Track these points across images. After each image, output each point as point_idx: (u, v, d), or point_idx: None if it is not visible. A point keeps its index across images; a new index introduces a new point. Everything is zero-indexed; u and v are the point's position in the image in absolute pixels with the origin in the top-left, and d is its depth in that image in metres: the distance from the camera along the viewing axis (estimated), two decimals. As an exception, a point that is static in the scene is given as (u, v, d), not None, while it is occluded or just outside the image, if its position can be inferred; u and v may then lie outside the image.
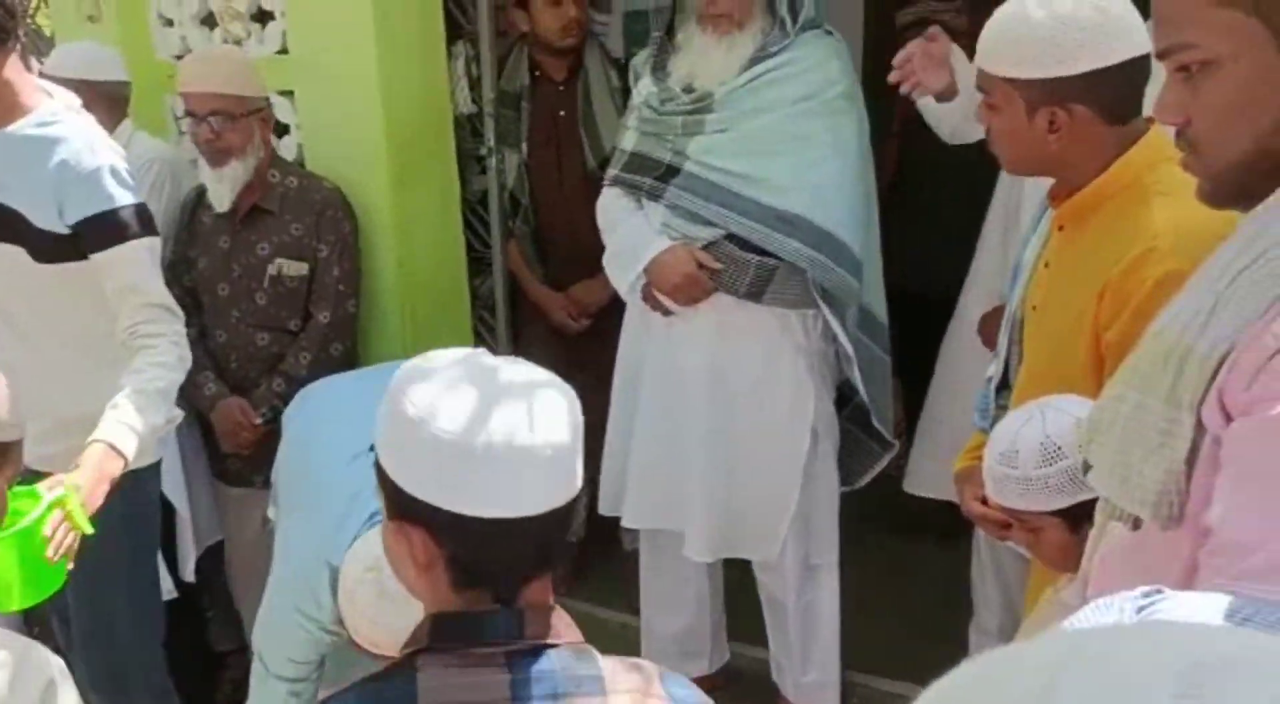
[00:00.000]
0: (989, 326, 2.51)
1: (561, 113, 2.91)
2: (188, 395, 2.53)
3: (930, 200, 3.02)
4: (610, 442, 2.53)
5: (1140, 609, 0.72)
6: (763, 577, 2.51)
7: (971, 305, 2.69)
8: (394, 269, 2.67)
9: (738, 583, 2.63)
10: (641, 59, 2.44)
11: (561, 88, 2.91)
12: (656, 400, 2.39)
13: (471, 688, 0.95)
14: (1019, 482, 1.42)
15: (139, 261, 1.96)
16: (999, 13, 1.56)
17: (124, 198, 1.93)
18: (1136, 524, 0.93)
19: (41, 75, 2.43)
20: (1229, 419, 0.83)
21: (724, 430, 2.32)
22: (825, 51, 2.26)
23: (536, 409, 0.97)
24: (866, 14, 4.34)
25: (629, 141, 2.38)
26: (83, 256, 1.93)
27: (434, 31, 2.72)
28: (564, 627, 1.01)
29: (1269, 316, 0.82)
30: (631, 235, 2.32)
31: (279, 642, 1.77)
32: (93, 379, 1.95)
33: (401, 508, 0.98)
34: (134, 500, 2.01)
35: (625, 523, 2.53)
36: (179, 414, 2.16)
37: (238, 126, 2.41)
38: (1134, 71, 1.49)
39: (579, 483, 1.01)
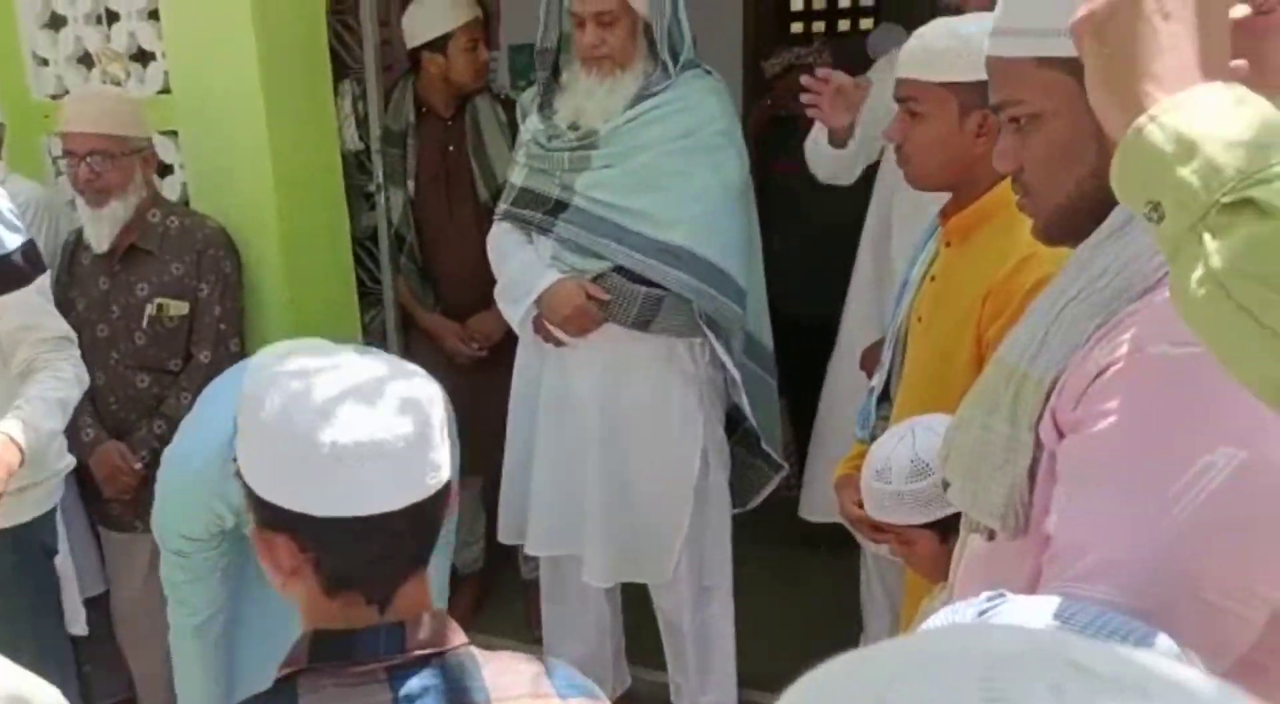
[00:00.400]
0: (869, 360, 2.62)
1: (450, 147, 2.96)
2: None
3: (806, 229, 3.14)
4: (508, 471, 2.56)
5: (981, 612, 0.79)
6: (659, 600, 2.56)
7: (850, 335, 2.81)
8: (284, 306, 2.66)
9: (636, 607, 2.68)
10: (529, 97, 2.50)
11: (449, 123, 2.96)
12: (552, 429, 2.44)
13: None
14: (892, 496, 1.51)
15: (31, 303, 2.00)
16: (928, 29, 1.68)
17: (12, 241, 1.94)
18: (991, 535, 1.02)
19: None
20: (1062, 436, 0.92)
21: (617, 456, 2.38)
22: (704, 90, 2.35)
23: (387, 402, 0.95)
24: (745, 57, 4.51)
25: (518, 177, 2.44)
26: None
27: (320, 70, 2.73)
28: (447, 631, 1.00)
29: (1090, 344, 0.92)
30: (522, 269, 2.37)
31: (173, 519, 1.74)
32: None
33: (262, 515, 0.97)
34: (26, 549, 2.02)
35: (528, 551, 2.56)
36: (71, 460, 2.12)
37: (118, 166, 2.38)
38: None
39: (444, 475, 0.99)
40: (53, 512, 2.15)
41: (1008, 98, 1.01)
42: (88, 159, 2.36)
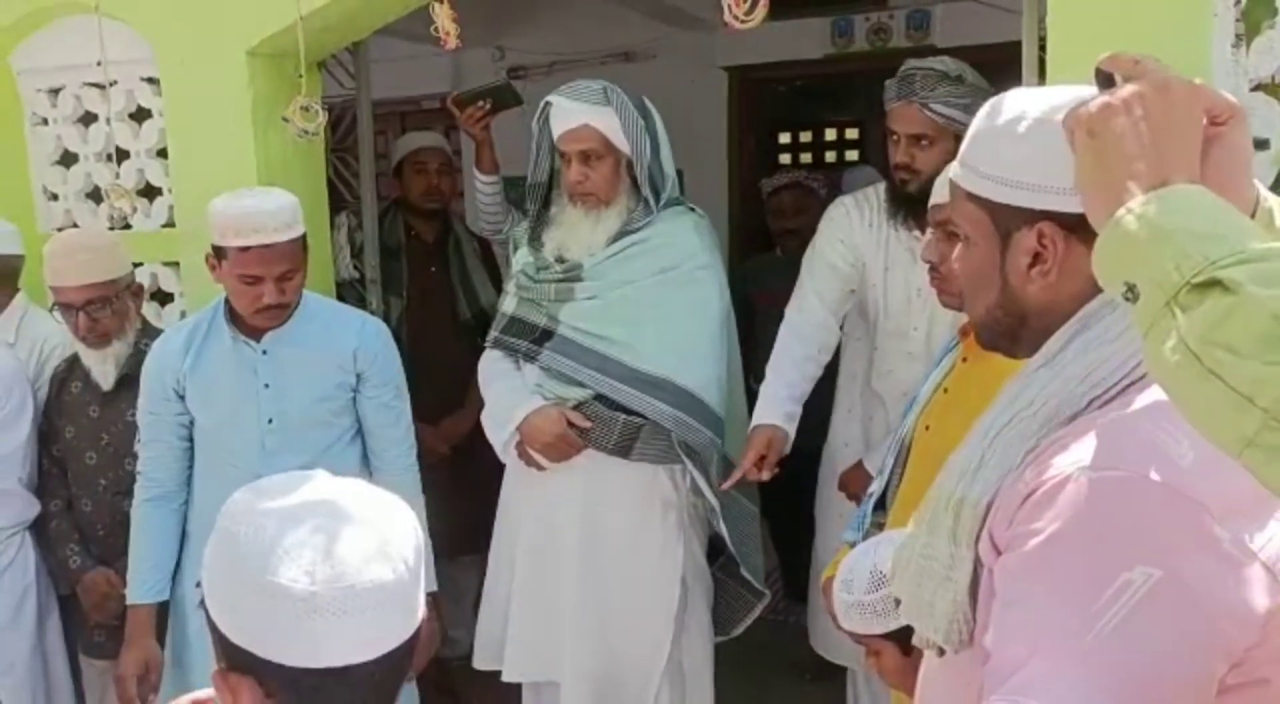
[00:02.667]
0: (852, 482, 2.66)
1: (433, 268, 3.27)
2: (53, 571, 2.51)
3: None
4: (487, 594, 2.57)
5: None
6: (641, 729, 2.53)
7: (833, 462, 2.84)
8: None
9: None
10: (520, 230, 2.61)
11: (432, 246, 3.26)
12: (533, 553, 2.45)
13: None
14: (854, 606, 1.55)
15: None
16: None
17: None
18: (941, 651, 1.06)
19: None
20: (999, 553, 0.97)
21: (596, 582, 2.39)
22: (686, 227, 2.45)
23: (367, 549, 0.92)
24: (730, 191, 4.70)
25: (509, 306, 2.52)
26: None
27: (318, 204, 2.85)
28: None
29: (1022, 467, 0.98)
30: (506, 395, 2.43)
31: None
32: None
33: (227, 655, 0.94)
34: None
35: (505, 677, 2.54)
36: None
37: (115, 309, 2.44)
38: None
39: (419, 617, 0.97)
40: None
41: (950, 217, 1.15)
42: (84, 309, 2.40)
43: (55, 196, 2.91)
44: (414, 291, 3.20)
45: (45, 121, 2.89)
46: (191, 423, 2.32)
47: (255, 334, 2.28)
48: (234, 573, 0.92)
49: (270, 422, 2.27)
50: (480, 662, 2.58)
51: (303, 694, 0.92)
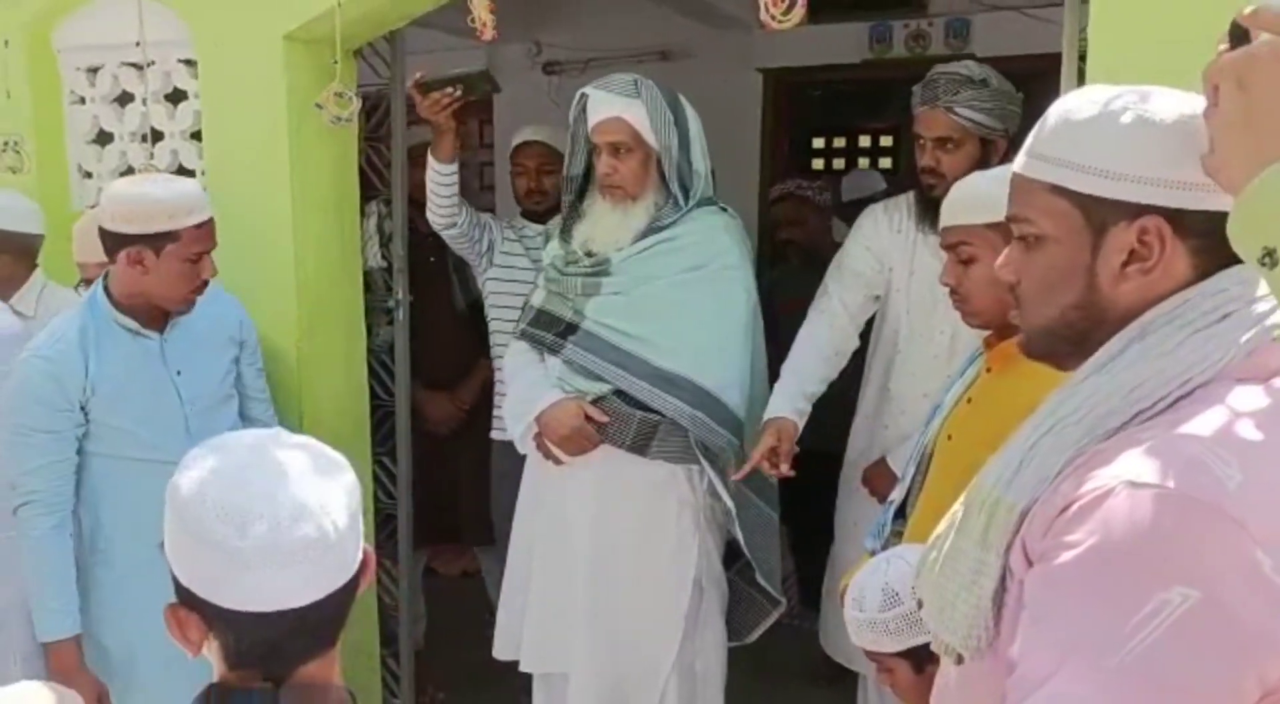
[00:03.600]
0: (875, 480, 2.63)
1: (431, 259, 3.29)
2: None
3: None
4: (507, 586, 2.58)
5: None
6: (650, 729, 2.52)
7: (853, 468, 2.82)
8: (298, 416, 2.72)
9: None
10: (554, 222, 2.61)
11: (426, 237, 3.19)
12: (548, 547, 2.46)
13: None
14: (866, 624, 1.54)
15: None
16: (965, 182, 1.80)
17: None
18: (960, 659, 1.04)
19: None
20: (1031, 565, 0.95)
21: (608, 578, 2.38)
22: (715, 226, 2.44)
23: (304, 506, 0.99)
24: (762, 192, 4.68)
25: (537, 298, 2.52)
26: None
27: (349, 190, 2.86)
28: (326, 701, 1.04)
29: (1061, 477, 0.95)
30: (527, 387, 2.43)
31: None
32: None
33: (177, 591, 1.03)
34: None
35: (523, 667, 2.54)
36: None
37: None
38: None
39: (351, 569, 1.04)
40: None
41: (1019, 214, 1.07)
42: None
43: (90, 175, 2.93)
44: (416, 280, 3.16)
45: (83, 100, 2.91)
46: (83, 435, 2.21)
47: (155, 326, 2.27)
48: (178, 523, 1.01)
49: (190, 406, 2.29)
50: (500, 651, 2.59)
51: (240, 630, 1.01)
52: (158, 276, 2.18)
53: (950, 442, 1.83)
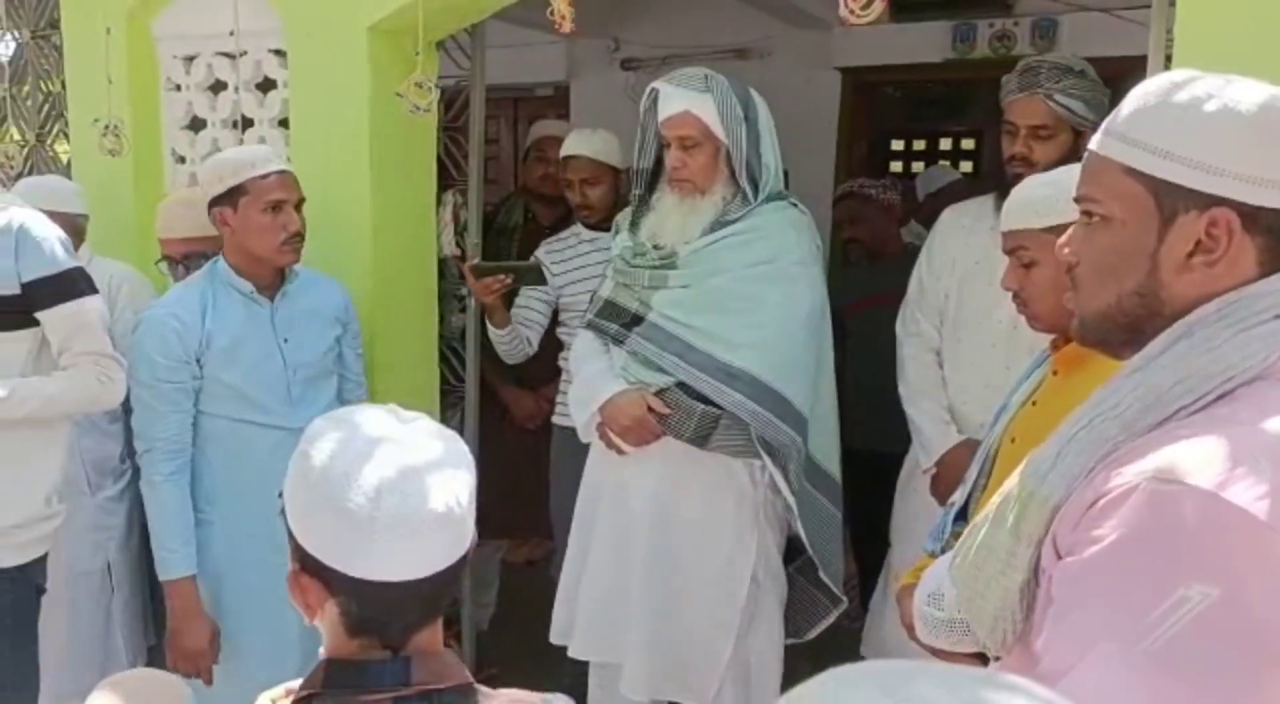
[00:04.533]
0: (944, 479, 2.60)
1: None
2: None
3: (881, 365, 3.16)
4: (565, 572, 2.61)
5: None
6: (703, 722, 2.54)
7: (914, 473, 2.80)
8: (369, 398, 2.79)
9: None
10: (624, 214, 2.64)
11: (548, 230, 3.30)
12: (608, 536, 2.48)
13: None
14: (944, 624, 1.51)
15: (87, 317, 2.19)
16: (1023, 186, 1.78)
17: (70, 262, 2.18)
18: (998, 656, 1.04)
19: None
20: (1059, 558, 0.95)
21: (665, 570, 2.40)
22: (784, 222, 2.43)
23: (429, 481, 1.02)
24: (838, 176, 4.64)
25: (605, 289, 2.55)
26: (29, 321, 2.14)
27: (426, 179, 2.93)
28: (451, 669, 1.07)
29: (1094, 472, 0.95)
30: (592, 377, 2.46)
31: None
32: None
33: (299, 557, 1.06)
34: (21, 590, 2.21)
35: (571, 653, 2.58)
36: (61, 509, 2.28)
37: None
38: None
39: (468, 543, 1.07)
40: (44, 557, 2.30)
41: (1088, 194, 1.05)
42: (184, 263, 2.58)
43: (183, 160, 3.04)
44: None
45: (178, 87, 3.03)
46: (199, 390, 2.36)
47: (268, 293, 2.42)
48: (308, 491, 1.03)
49: (295, 373, 2.42)
50: (555, 636, 2.63)
51: (360, 598, 1.04)
52: (244, 231, 2.34)
53: (1013, 445, 1.81)
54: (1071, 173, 1.69)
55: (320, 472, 1.02)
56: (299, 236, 2.38)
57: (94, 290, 2.22)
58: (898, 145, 6.22)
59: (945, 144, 6.22)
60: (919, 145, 6.25)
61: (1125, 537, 0.87)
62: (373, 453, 1.03)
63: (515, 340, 3.07)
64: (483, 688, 1.09)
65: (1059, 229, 1.66)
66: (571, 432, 3.07)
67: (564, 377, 3.13)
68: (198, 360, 2.34)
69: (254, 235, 2.34)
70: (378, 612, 1.04)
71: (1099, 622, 0.86)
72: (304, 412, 2.30)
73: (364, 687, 1.05)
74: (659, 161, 2.49)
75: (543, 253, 3.10)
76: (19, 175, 3.28)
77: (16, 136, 3.35)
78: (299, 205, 2.38)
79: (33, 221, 2.14)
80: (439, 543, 1.03)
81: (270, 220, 2.32)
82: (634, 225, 2.53)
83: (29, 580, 2.25)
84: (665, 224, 2.43)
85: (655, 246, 2.46)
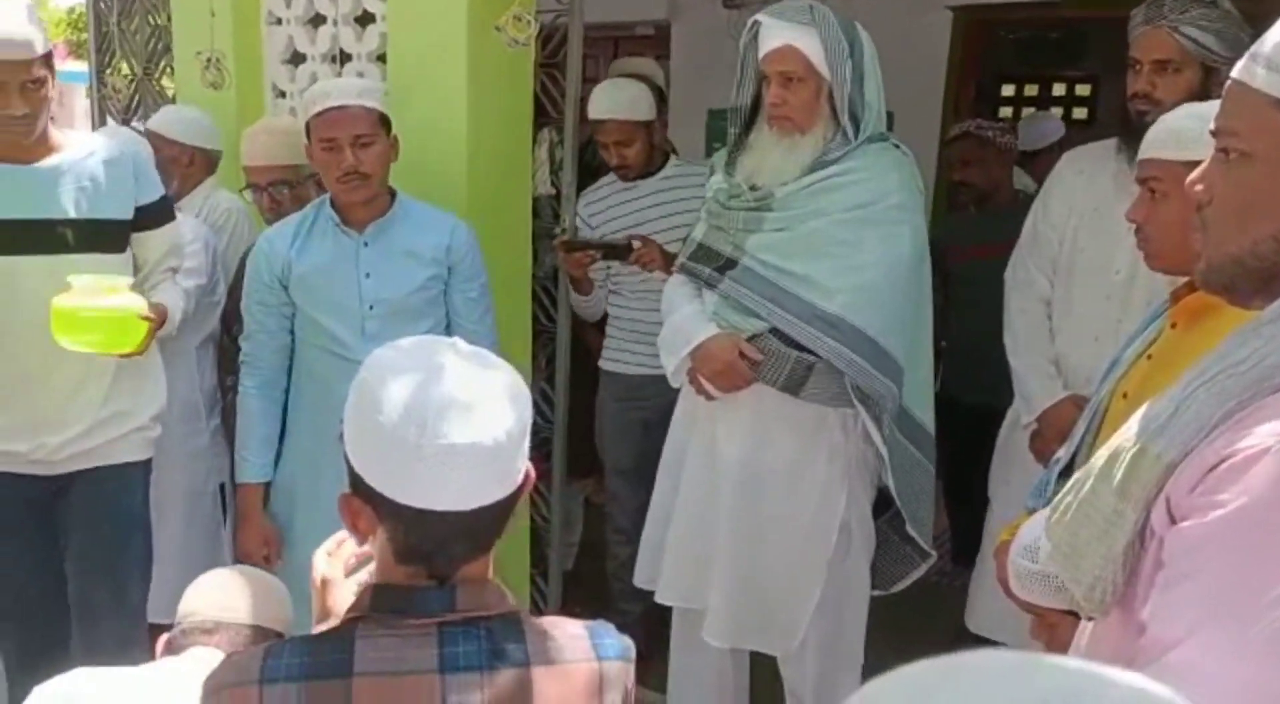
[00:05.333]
0: (1049, 432, 2.51)
1: None
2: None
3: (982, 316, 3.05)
4: (651, 516, 2.61)
5: None
6: (785, 671, 2.52)
7: (1016, 426, 2.71)
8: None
9: (767, 672, 2.63)
10: (719, 155, 2.57)
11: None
12: (695, 482, 2.46)
13: (403, 659, 1.04)
14: (1039, 577, 1.45)
15: (177, 238, 2.49)
16: (1171, 114, 1.69)
17: (162, 188, 2.43)
18: (1090, 616, 0.98)
19: (148, 132, 2.72)
20: (1173, 521, 0.88)
21: (752, 519, 2.36)
22: (886, 164, 2.33)
23: (480, 412, 1.03)
24: (943, 137, 4.47)
25: (698, 233, 2.50)
26: (126, 244, 2.35)
27: (522, 119, 2.90)
28: (497, 599, 1.09)
29: (1217, 431, 0.88)
30: (683, 321, 2.41)
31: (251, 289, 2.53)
32: (120, 376, 2.36)
33: (352, 481, 1.08)
34: (149, 484, 2.49)
35: (658, 598, 2.58)
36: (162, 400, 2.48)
37: (295, 194, 2.66)
38: None
39: (517, 480, 1.07)
40: (149, 461, 2.50)
41: (1227, 126, 0.97)
42: (269, 189, 2.64)
43: (283, 94, 3.07)
44: None
45: (279, 21, 3.04)
46: (294, 315, 2.47)
47: (357, 226, 2.42)
48: (361, 416, 1.05)
49: (370, 308, 2.43)
50: (640, 581, 2.63)
51: (405, 525, 1.05)
52: (318, 169, 2.42)
53: (1125, 401, 1.72)
54: None
55: (374, 398, 1.03)
56: (355, 175, 2.35)
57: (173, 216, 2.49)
58: (1008, 90, 5.97)
59: (1059, 89, 5.95)
60: (1030, 90, 5.99)
61: (1251, 504, 0.80)
62: (426, 383, 1.03)
63: (595, 303, 3.11)
64: (529, 616, 1.11)
65: (1198, 165, 1.57)
66: (616, 376, 3.08)
67: (609, 323, 3.15)
68: (283, 286, 2.43)
69: (320, 172, 2.42)
70: (422, 541, 1.06)
71: (1213, 596, 0.80)
72: (377, 347, 2.30)
73: (409, 612, 1.06)
74: (757, 99, 2.41)
75: (581, 205, 3.06)
76: (126, 108, 3.36)
77: (125, 71, 3.42)
78: (362, 142, 2.34)
79: (142, 148, 2.34)
80: (484, 476, 1.03)
81: (327, 158, 2.35)
82: (729, 166, 2.46)
83: (135, 477, 2.46)
84: (762, 164, 2.36)
85: (751, 188, 2.38)
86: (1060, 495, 1.06)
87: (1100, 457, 1.01)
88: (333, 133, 2.32)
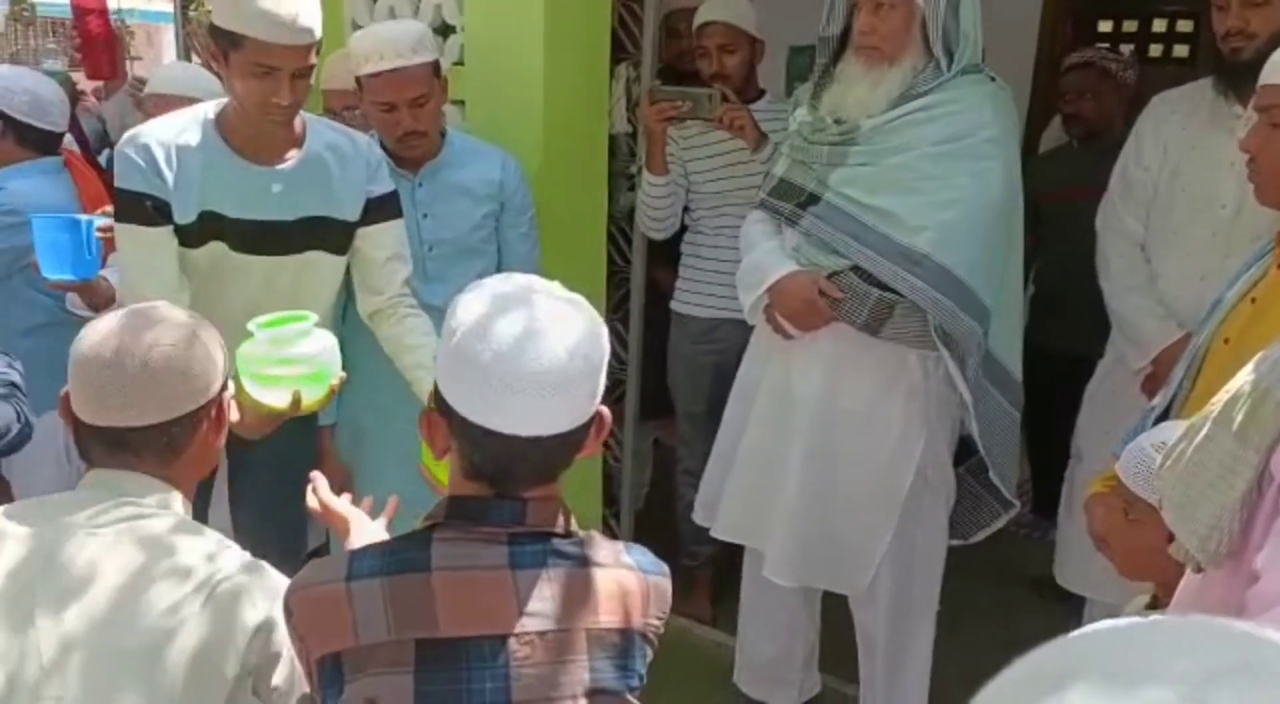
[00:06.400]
0: (1171, 366, 2.41)
1: None
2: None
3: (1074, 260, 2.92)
4: (716, 452, 2.58)
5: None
6: (857, 612, 2.49)
7: (1108, 376, 2.61)
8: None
9: (839, 617, 2.61)
10: (804, 88, 2.48)
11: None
12: (764, 420, 2.42)
13: (476, 556, 1.12)
14: (1149, 466, 1.38)
15: (404, 234, 2.24)
16: None
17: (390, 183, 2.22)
18: (1198, 567, 0.93)
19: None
20: None
21: (824, 459, 2.32)
22: (979, 96, 2.23)
23: (553, 339, 1.07)
24: (1036, 77, 4.29)
25: (780, 167, 2.42)
26: (350, 241, 2.15)
27: (599, 51, 2.84)
28: (563, 517, 1.16)
29: None
30: (762, 258, 2.36)
31: None
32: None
33: (436, 398, 1.15)
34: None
35: (714, 533, 2.56)
36: None
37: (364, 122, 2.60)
38: None
39: (584, 414, 1.12)
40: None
41: (1275, 102, 0.93)
42: (342, 113, 2.63)
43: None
44: None
45: (358, -44, 3.02)
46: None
47: (411, 168, 2.41)
48: (447, 334, 1.12)
49: (430, 249, 2.41)
50: (699, 516, 2.62)
51: (474, 443, 1.11)
52: (371, 119, 2.36)
53: (1227, 346, 1.64)
54: None
55: (458, 321, 1.10)
56: (413, 134, 2.33)
57: (402, 212, 2.26)
58: (1105, 26, 5.71)
59: (1159, 25, 5.67)
60: (1129, 26, 5.72)
61: None
62: (508, 310, 1.09)
63: (671, 198, 2.93)
64: (589, 535, 1.19)
65: None
66: (689, 319, 3.03)
67: (683, 265, 3.06)
68: None
69: (376, 126, 2.37)
70: (485, 461, 1.12)
71: None
72: (440, 289, 2.30)
73: (482, 521, 1.13)
74: (847, 30, 2.32)
75: (672, 130, 2.90)
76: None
77: (208, 7, 3.43)
78: (420, 101, 2.30)
79: (366, 141, 2.19)
80: (548, 406, 1.08)
81: (383, 118, 2.33)
82: (814, 98, 2.37)
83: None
84: (848, 96, 2.27)
85: (836, 121, 2.30)
86: (1173, 444, 1.01)
87: (1218, 401, 0.95)
88: (388, 97, 2.29)
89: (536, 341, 1.07)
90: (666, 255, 3.18)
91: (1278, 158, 1.55)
